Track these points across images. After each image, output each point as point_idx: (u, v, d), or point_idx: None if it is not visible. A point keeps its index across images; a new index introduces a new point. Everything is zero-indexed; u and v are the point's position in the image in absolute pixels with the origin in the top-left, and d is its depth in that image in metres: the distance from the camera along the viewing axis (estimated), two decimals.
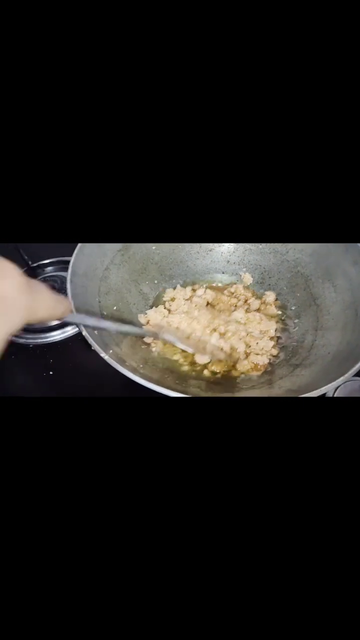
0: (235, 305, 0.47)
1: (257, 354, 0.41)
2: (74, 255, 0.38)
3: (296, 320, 0.45)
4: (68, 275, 0.36)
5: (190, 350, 0.40)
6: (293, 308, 0.46)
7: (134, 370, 0.29)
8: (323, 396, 0.42)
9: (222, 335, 0.42)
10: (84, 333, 0.32)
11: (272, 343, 0.43)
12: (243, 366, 0.40)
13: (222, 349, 0.41)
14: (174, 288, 0.50)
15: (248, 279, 0.50)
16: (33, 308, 0.19)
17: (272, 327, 0.44)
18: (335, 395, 0.45)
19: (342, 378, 0.28)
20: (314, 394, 0.27)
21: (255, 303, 0.47)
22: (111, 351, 0.31)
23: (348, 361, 0.31)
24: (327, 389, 0.27)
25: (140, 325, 0.44)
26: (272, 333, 0.43)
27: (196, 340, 0.41)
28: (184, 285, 0.50)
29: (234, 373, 0.41)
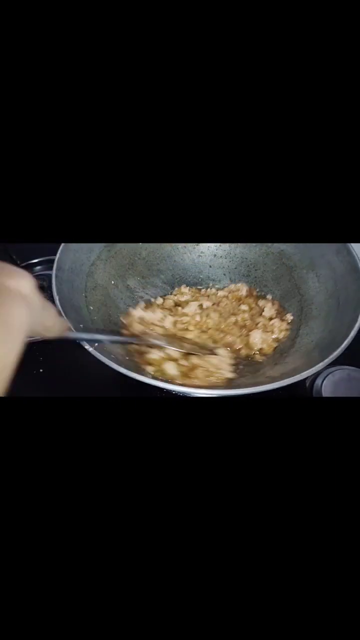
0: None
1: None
2: (59, 251, 0.38)
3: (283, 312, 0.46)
4: (53, 270, 0.36)
5: (180, 350, 0.40)
6: (278, 299, 0.47)
7: (119, 362, 0.29)
8: (317, 396, 0.43)
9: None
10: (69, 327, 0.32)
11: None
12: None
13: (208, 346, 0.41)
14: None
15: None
16: (43, 314, 0.20)
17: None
18: (323, 384, 0.45)
19: (321, 363, 0.28)
20: (295, 379, 0.27)
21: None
22: (96, 344, 0.32)
23: (329, 348, 0.31)
24: (308, 374, 0.28)
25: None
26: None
27: (180, 340, 0.41)
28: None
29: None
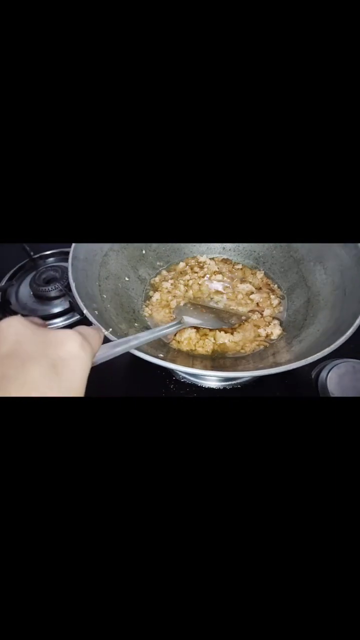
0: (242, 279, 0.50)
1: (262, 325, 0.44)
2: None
3: (289, 302, 0.47)
4: (69, 259, 0.38)
5: (212, 326, 0.42)
6: (285, 290, 0.48)
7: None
8: (322, 390, 0.44)
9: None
10: (85, 312, 0.34)
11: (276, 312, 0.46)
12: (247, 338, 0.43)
13: (236, 314, 0.44)
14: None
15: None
16: (93, 354, 0.22)
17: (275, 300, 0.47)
18: (328, 376, 0.46)
19: (327, 349, 0.29)
20: (300, 364, 0.28)
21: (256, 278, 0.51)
22: (110, 329, 0.33)
23: (335, 336, 0.32)
24: (313, 359, 0.29)
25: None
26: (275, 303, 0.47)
27: (212, 313, 0.44)
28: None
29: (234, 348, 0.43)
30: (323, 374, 0.47)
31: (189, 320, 0.41)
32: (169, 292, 0.48)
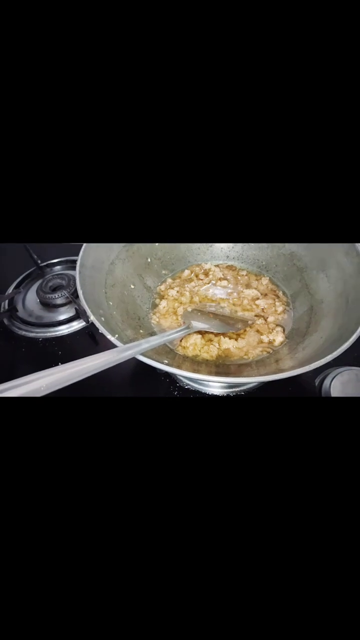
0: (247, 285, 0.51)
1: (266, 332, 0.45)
2: (82, 249, 0.41)
3: (292, 310, 0.47)
4: (77, 267, 0.38)
5: (218, 330, 0.43)
6: (289, 298, 0.48)
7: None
8: (324, 397, 0.44)
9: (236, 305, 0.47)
10: (92, 318, 0.34)
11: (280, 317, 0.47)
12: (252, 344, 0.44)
13: (243, 319, 0.45)
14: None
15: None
16: None
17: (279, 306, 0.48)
18: (332, 384, 0.46)
19: (329, 356, 0.30)
20: (302, 370, 0.29)
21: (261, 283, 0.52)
22: (117, 335, 0.34)
23: (337, 343, 0.32)
24: (316, 366, 0.29)
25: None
26: (280, 310, 0.47)
27: (218, 319, 0.45)
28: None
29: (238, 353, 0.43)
30: (327, 381, 0.47)
31: (197, 324, 0.41)
32: (175, 299, 0.48)
